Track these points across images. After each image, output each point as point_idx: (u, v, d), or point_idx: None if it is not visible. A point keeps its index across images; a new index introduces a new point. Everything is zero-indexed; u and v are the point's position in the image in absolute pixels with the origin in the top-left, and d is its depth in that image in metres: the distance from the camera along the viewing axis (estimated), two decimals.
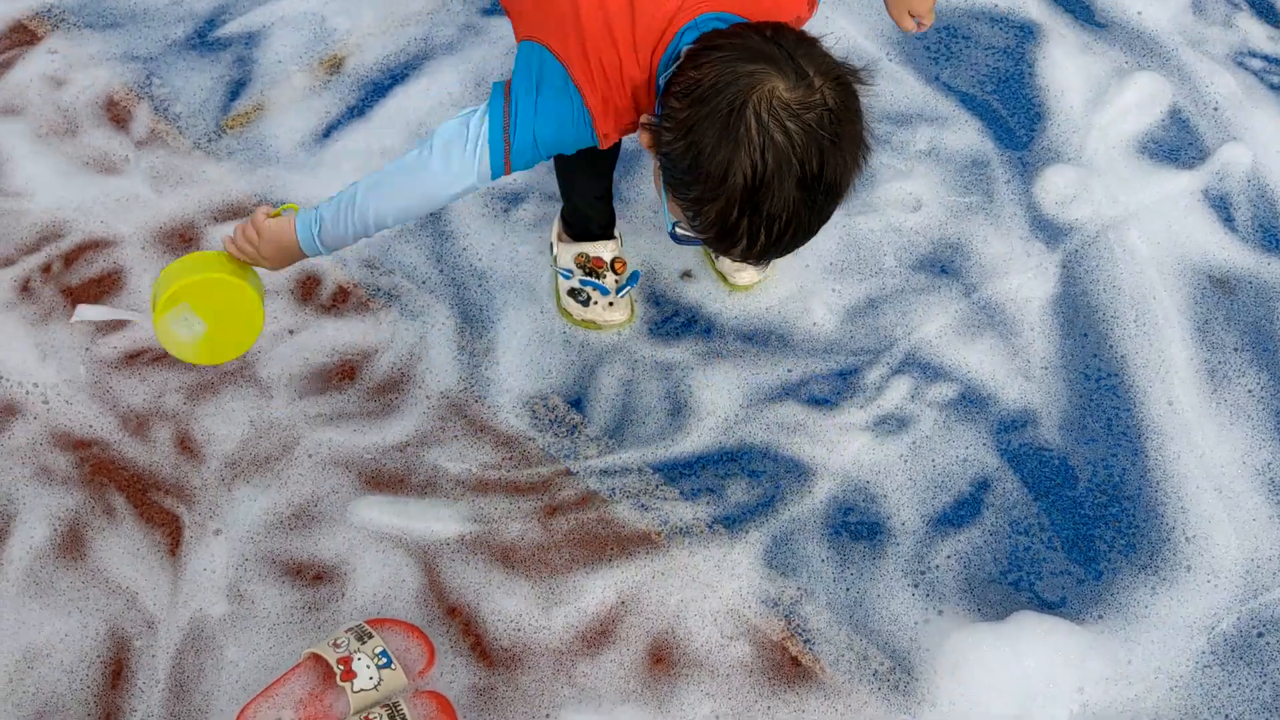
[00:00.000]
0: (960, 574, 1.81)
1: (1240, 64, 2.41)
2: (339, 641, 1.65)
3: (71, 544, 1.81)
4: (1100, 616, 1.77)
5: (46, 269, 2.09)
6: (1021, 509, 1.87)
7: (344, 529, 1.83)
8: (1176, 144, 2.28)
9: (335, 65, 2.36)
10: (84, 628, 1.74)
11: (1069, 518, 1.86)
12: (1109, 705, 1.70)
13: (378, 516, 1.84)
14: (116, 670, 1.71)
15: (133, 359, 1.99)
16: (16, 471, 1.87)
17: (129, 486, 1.86)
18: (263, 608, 1.76)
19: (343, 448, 1.90)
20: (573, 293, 2.03)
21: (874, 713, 1.69)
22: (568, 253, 2.04)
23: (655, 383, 1.99)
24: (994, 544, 1.84)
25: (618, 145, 1.88)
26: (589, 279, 2.02)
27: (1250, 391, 1.99)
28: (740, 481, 1.88)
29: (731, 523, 1.85)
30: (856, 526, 1.85)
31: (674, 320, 2.06)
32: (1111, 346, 2.03)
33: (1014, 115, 2.31)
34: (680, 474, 1.89)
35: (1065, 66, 2.38)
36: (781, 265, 2.10)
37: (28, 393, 1.95)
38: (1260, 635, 1.77)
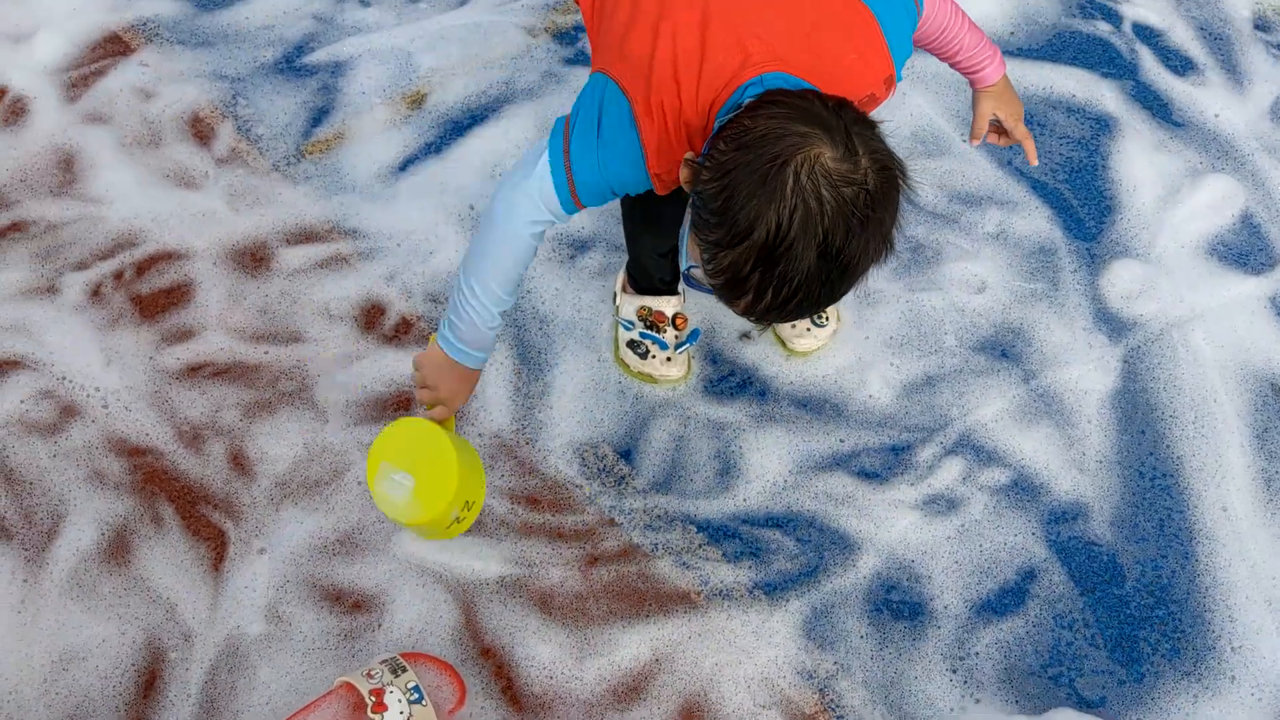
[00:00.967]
0: (1000, 663, 1.78)
1: None
2: (373, 672, 1.65)
3: (117, 550, 1.82)
4: None
5: (119, 276, 2.12)
6: (1067, 602, 1.84)
7: (386, 559, 1.83)
8: (1246, 248, 2.27)
9: (417, 101, 2.40)
10: (122, 635, 1.75)
11: (1114, 616, 1.84)
12: None
13: (421, 550, 1.84)
14: (150, 680, 1.72)
15: (194, 371, 2.01)
16: (71, 473, 1.89)
17: (179, 498, 1.88)
18: (299, 631, 1.76)
19: None
20: (632, 344, 2.04)
21: None
22: (631, 304, 2.05)
23: (706, 440, 1.99)
24: (1036, 635, 1.81)
25: (684, 204, 1.90)
26: (649, 332, 2.03)
27: None
28: (784, 548, 1.88)
29: (772, 589, 1.84)
30: (898, 605, 1.83)
31: (729, 380, 2.06)
32: (1168, 446, 2.01)
33: (1084, 206, 2.31)
34: (724, 535, 1.89)
35: (1139, 162, 2.38)
36: (841, 335, 2.10)
37: (89, 396, 1.97)
38: None
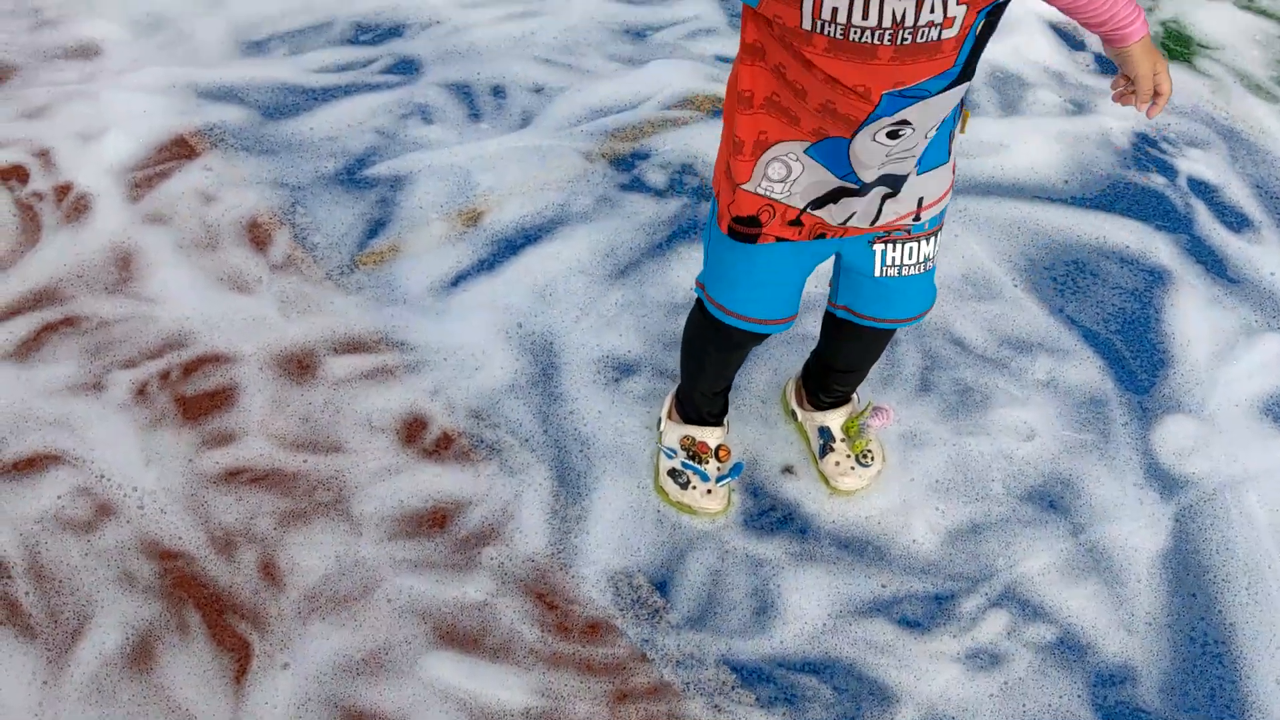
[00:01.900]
0: None
1: None
2: None
3: (141, 655, 1.79)
4: None
5: (165, 376, 2.13)
6: None
7: (411, 682, 1.79)
8: None
9: (473, 218, 2.43)
10: None
11: None
12: None
13: (447, 675, 1.80)
14: None
15: (232, 476, 2.00)
16: (101, 573, 1.87)
17: (206, 605, 1.85)
18: None
19: (422, 597, 1.87)
20: (673, 473, 2.01)
21: None
22: (675, 432, 2.03)
23: (744, 577, 1.95)
24: None
25: (746, 350, 1.90)
26: (691, 462, 2.00)
27: None
28: (820, 696, 1.81)
29: None
30: None
31: (770, 515, 2.03)
32: (1220, 612, 1.95)
33: (1137, 358, 2.28)
34: (759, 677, 1.83)
35: (1193, 317, 2.36)
36: (885, 475, 2.06)
37: (126, 496, 1.96)
38: None
